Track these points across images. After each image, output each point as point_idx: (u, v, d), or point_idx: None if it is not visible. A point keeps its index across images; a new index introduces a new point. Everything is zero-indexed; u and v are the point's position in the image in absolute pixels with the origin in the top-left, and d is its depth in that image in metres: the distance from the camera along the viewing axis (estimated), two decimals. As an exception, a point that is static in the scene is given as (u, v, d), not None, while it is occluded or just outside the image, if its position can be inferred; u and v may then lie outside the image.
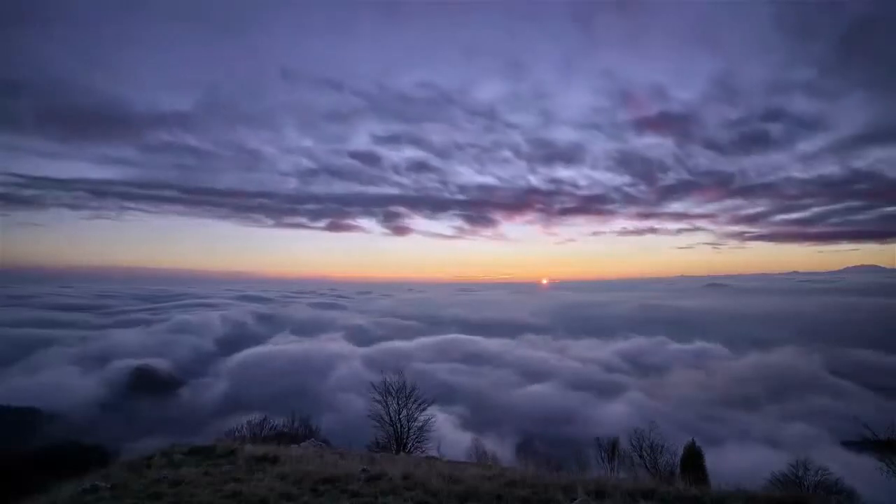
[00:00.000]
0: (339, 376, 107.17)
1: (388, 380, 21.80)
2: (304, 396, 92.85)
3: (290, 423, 27.53)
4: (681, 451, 17.72)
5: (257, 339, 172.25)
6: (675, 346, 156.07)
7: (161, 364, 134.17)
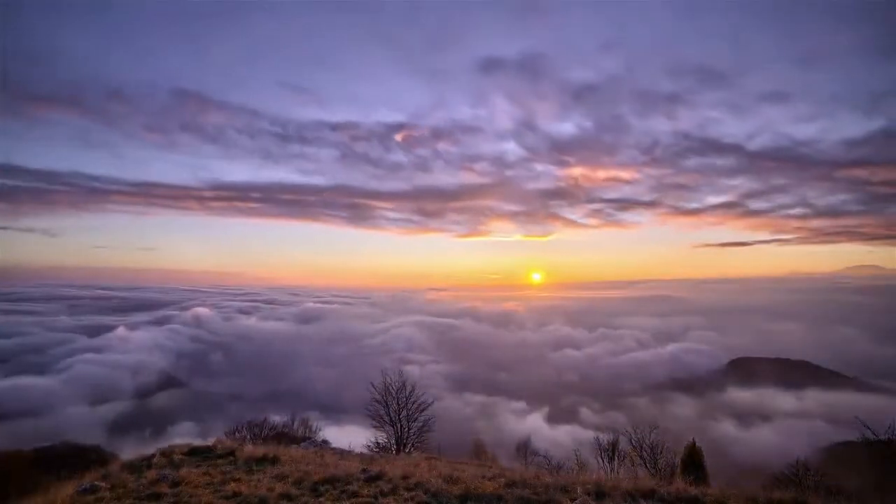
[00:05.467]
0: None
1: (388, 380, 21.80)
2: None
3: (290, 423, 27.53)
4: (681, 451, 17.70)
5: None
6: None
7: (167, 366, 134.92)
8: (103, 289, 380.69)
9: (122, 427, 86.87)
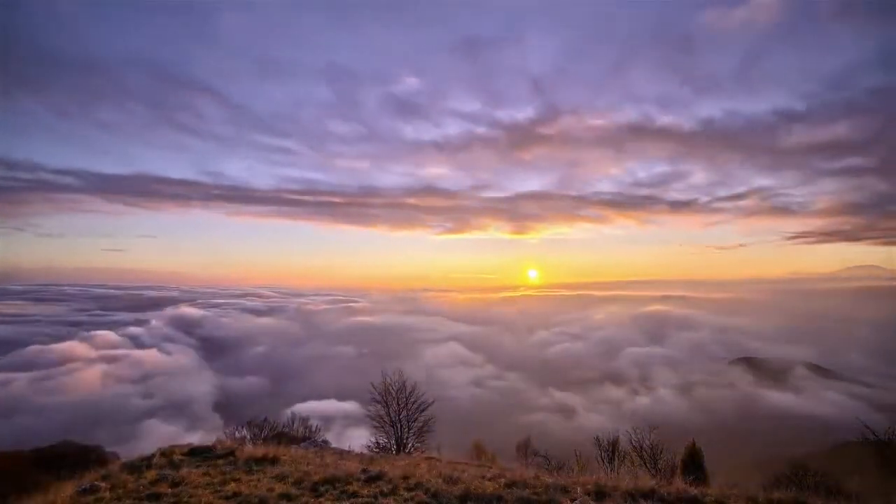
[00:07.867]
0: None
1: (388, 380, 21.77)
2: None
3: (290, 423, 27.48)
4: (681, 451, 17.70)
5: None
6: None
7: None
8: (87, 288, 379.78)
9: (113, 428, 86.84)
